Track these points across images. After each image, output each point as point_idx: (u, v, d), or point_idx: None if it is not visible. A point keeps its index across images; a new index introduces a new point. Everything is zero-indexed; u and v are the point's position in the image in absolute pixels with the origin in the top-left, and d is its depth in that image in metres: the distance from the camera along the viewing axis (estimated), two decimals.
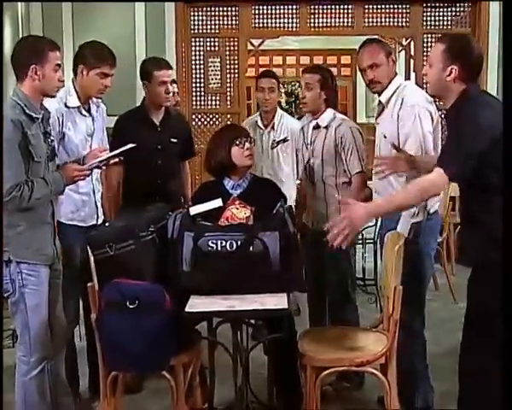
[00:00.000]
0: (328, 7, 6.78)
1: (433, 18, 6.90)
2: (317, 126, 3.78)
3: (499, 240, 2.57)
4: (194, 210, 3.01)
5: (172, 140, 3.98)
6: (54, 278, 3.02)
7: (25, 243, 2.89)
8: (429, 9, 6.89)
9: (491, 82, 6.66)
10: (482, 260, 2.72)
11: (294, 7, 6.77)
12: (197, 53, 6.85)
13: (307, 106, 3.78)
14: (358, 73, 13.30)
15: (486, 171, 2.60)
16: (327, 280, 3.76)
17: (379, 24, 6.88)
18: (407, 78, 7.76)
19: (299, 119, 6.90)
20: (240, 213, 3.05)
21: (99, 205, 3.59)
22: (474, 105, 2.63)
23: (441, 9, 6.88)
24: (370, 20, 6.86)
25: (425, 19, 6.89)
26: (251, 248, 2.77)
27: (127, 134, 3.64)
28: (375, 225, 5.37)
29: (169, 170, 4.00)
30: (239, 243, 2.77)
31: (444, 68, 2.67)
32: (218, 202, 3.08)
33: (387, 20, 6.87)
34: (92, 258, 2.91)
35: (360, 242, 5.76)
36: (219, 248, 2.78)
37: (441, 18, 6.89)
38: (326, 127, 3.75)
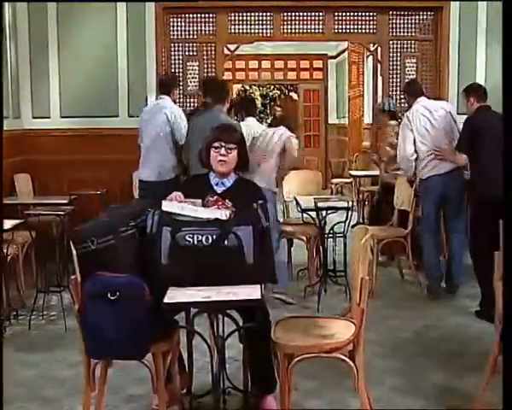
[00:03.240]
0: (300, 14, 6.82)
1: (398, 25, 6.97)
2: None
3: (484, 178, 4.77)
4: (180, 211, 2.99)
5: None
6: None
7: None
8: (395, 17, 6.96)
9: (452, 84, 6.75)
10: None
11: (268, 14, 6.80)
12: (176, 57, 6.84)
13: None
14: (330, 77, 13.41)
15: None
16: None
17: (348, 31, 6.93)
18: (375, 81, 7.82)
19: (272, 121, 6.94)
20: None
21: None
22: None
23: (406, 17, 6.95)
24: (340, 26, 6.90)
25: (391, 26, 6.96)
26: (226, 242, 2.75)
27: None
28: (345, 221, 5.40)
29: None
30: (214, 237, 2.76)
31: None
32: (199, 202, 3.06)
33: (356, 27, 6.91)
34: (75, 252, 2.89)
35: (331, 236, 5.81)
36: (196, 243, 2.76)
37: (406, 25, 6.97)
38: None
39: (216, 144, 3.34)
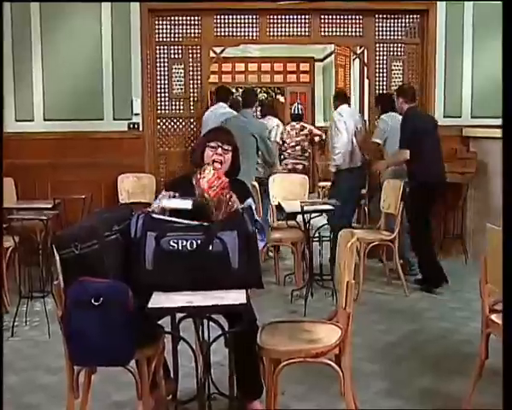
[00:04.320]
0: (286, 17, 6.84)
1: (385, 28, 7.01)
2: None
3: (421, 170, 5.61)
4: (168, 204, 2.99)
5: None
6: None
7: None
8: (381, 20, 6.99)
9: (439, 87, 6.81)
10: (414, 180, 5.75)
11: (254, 16, 6.81)
12: (161, 60, 6.84)
13: None
14: (317, 80, 13.51)
15: None
16: None
17: (334, 33, 6.95)
18: (361, 84, 7.85)
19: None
20: (209, 176, 3.02)
21: None
22: None
23: (392, 21, 6.99)
24: (326, 29, 6.93)
25: (377, 29, 6.99)
26: (210, 247, 2.75)
27: None
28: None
29: None
30: (199, 242, 2.75)
31: None
32: (188, 204, 3.03)
33: (342, 29, 6.94)
34: (58, 257, 2.87)
35: (317, 240, 5.83)
36: (180, 248, 2.76)
37: (392, 28, 7.01)
38: None
39: (213, 144, 3.36)
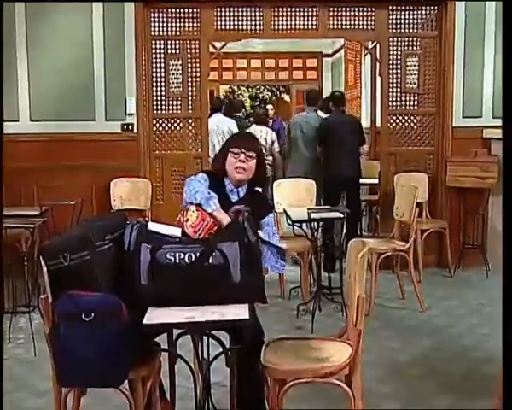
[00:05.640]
0: (292, 9, 6.83)
1: (399, 21, 6.97)
2: None
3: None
4: (154, 227, 2.99)
5: None
6: None
7: None
8: (395, 12, 6.96)
9: (458, 83, 6.82)
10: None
11: (257, 9, 6.81)
12: (157, 56, 6.85)
13: None
14: (324, 76, 13.52)
15: None
16: None
17: (344, 27, 6.93)
18: (373, 82, 7.85)
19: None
20: (192, 218, 3.03)
21: None
22: None
23: (407, 12, 6.96)
24: (335, 22, 6.91)
25: (391, 22, 6.96)
26: (210, 260, 2.76)
27: None
28: (341, 233, 5.42)
29: None
30: (197, 254, 2.76)
31: None
32: (177, 231, 3.04)
33: (353, 23, 6.93)
34: (45, 269, 2.88)
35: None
36: (177, 261, 2.76)
37: (407, 21, 6.97)
38: None
39: (235, 150, 3.41)
